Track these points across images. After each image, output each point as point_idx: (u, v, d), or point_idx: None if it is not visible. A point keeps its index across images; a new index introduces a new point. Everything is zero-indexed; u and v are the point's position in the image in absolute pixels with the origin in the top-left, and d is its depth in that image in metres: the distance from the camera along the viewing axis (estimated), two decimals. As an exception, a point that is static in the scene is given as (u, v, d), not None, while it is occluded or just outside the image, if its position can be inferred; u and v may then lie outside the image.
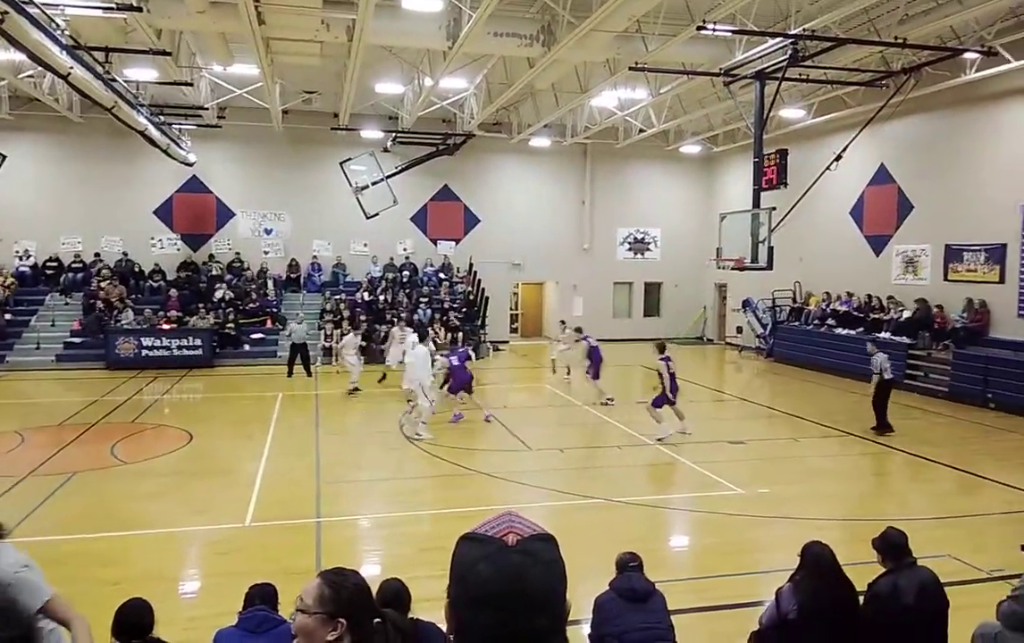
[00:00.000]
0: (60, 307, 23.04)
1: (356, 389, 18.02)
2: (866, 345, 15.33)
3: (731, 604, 7.09)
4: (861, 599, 4.72)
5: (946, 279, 19.48)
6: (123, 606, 4.22)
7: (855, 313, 21.66)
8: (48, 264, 24.17)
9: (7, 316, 21.94)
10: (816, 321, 22.99)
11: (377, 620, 2.31)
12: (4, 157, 21.88)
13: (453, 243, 27.73)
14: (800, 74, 16.92)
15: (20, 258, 24.12)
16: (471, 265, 27.40)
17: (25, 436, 13.52)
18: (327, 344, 22.49)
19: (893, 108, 16.87)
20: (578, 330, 18.45)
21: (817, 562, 4.69)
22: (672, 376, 13.33)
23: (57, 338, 21.99)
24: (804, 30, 13.96)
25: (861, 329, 20.95)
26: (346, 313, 23.01)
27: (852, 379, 19.50)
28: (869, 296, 21.55)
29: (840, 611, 4.56)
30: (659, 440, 13.14)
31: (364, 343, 20.60)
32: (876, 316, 20.84)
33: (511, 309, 29.58)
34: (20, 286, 23.36)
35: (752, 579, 7.71)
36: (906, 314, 19.90)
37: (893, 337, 19.38)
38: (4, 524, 3.98)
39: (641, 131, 24.74)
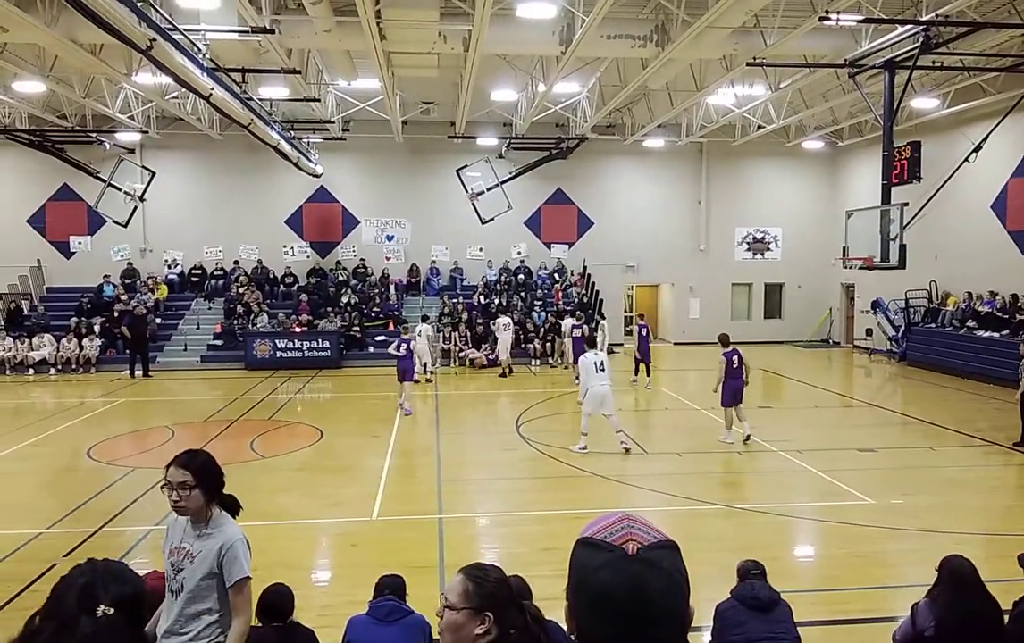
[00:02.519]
0: (204, 312, 24.87)
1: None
2: (1019, 346, 13.91)
3: (862, 619, 6.82)
4: (1006, 619, 4.46)
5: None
6: (266, 590, 4.57)
7: (999, 314, 20.12)
8: (193, 272, 26.16)
9: (158, 320, 23.88)
10: (955, 323, 21.52)
11: (518, 611, 2.37)
12: (153, 174, 23.82)
13: (567, 246, 27.84)
14: (933, 62, 15.92)
15: (169, 267, 26.22)
16: (584, 268, 27.42)
17: (175, 431, 14.69)
18: (446, 346, 23.15)
19: (1039, 94, 15.61)
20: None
21: (957, 577, 4.46)
22: (733, 372, 12.91)
23: (201, 340, 23.75)
24: (937, 15, 13.14)
25: (1006, 331, 19.45)
26: (464, 316, 23.65)
27: (995, 385, 18.16)
28: (1015, 296, 19.97)
29: (981, 630, 4.32)
30: (728, 442, 12.96)
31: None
32: (1023, 317, 19.28)
33: (625, 312, 29.34)
34: (169, 292, 25.40)
35: (884, 593, 7.37)
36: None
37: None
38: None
39: (760, 128, 23.98)
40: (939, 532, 8.81)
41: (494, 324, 22.45)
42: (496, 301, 25.32)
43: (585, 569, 1.33)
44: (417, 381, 17.97)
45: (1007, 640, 4.36)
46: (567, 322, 21.62)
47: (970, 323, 20.90)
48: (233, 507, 3.76)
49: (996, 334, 19.70)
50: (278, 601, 4.54)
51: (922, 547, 8.13)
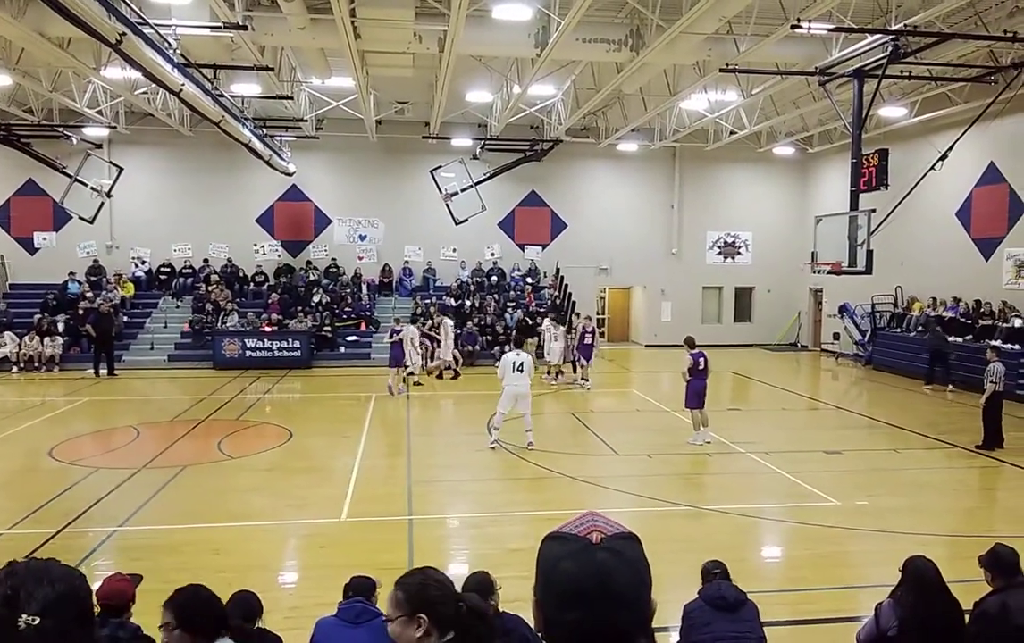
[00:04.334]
0: (172, 310, 24.51)
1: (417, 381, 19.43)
2: (985, 352, 14.11)
3: (827, 619, 6.91)
4: (967, 618, 4.54)
5: (1065, 284, 18.27)
6: (234, 596, 4.51)
7: (962, 319, 20.55)
8: (161, 269, 25.76)
9: (125, 318, 23.47)
10: (920, 328, 21.93)
11: (460, 603, 2.43)
12: (121, 170, 23.44)
13: (540, 248, 27.90)
14: (901, 71, 16.23)
15: (136, 264, 25.79)
16: (558, 270, 27.50)
17: (140, 431, 14.45)
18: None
19: (1002, 104, 15.94)
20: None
21: (920, 577, 4.54)
22: (699, 374, 13.13)
23: (169, 339, 23.40)
24: (905, 25, 13.39)
25: (969, 336, 19.87)
26: (437, 319, 23.50)
27: (959, 389, 18.54)
28: (978, 302, 20.41)
29: (943, 629, 4.41)
30: (697, 445, 13.12)
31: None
32: (986, 323, 19.70)
33: (598, 313, 29.49)
34: (136, 290, 24.98)
35: (849, 593, 7.47)
36: (1018, 322, 18.74)
37: (1003, 345, 18.27)
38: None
39: (732, 133, 24.26)
40: (903, 533, 8.96)
41: (438, 327, 21.84)
42: (469, 303, 25.29)
43: (550, 560, 1.36)
44: (412, 373, 19.30)
45: (967, 639, 4.45)
46: (546, 323, 21.67)
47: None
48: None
49: (960, 339, 20.10)
50: (246, 610, 4.47)
51: (886, 548, 8.26)
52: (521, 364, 12.76)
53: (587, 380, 19.38)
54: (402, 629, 2.31)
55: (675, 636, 4.75)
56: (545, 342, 21.03)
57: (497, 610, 4.30)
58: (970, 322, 20.26)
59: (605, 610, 1.30)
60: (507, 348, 16.56)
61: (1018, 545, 4.71)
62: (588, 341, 19.49)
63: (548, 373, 20.18)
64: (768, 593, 6.83)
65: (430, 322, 22.80)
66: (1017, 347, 18.13)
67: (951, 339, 20.01)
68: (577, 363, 19.70)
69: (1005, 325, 19.00)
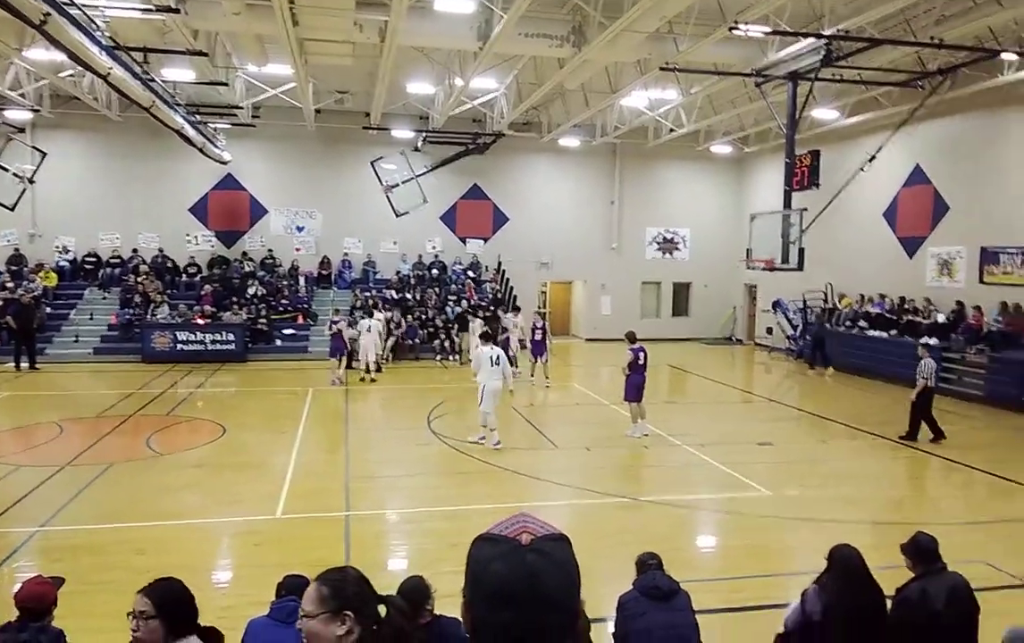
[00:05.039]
0: (98, 302, 23.58)
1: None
2: (917, 349, 14.41)
3: (757, 606, 7.09)
4: (890, 604, 4.70)
5: (981, 281, 19.14)
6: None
7: (888, 315, 21.37)
8: (87, 259, 24.74)
9: (47, 310, 22.48)
10: (847, 323, 22.72)
11: (380, 604, 2.38)
12: (44, 154, 22.44)
13: (482, 241, 27.85)
14: (833, 74, 16.74)
15: (60, 253, 24.72)
16: (499, 264, 27.50)
17: (64, 427, 13.88)
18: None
19: (929, 109, 16.66)
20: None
21: (845, 565, 4.68)
22: (638, 368, 13.31)
23: (95, 332, 22.51)
24: (838, 30, 13.81)
25: (894, 331, 20.67)
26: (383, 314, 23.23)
27: (883, 382, 19.28)
28: (903, 298, 21.25)
29: (866, 615, 4.55)
30: (635, 437, 13.31)
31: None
32: (909, 318, 20.54)
33: (539, 308, 29.61)
34: (60, 281, 23.94)
35: (778, 581, 7.69)
36: (940, 317, 19.59)
37: (927, 340, 19.07)
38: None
39: (671, 131, 24.63)
40: (831, 521, 9.27)
41: (356, 325, 20.58)
42: (409, 296, 25.08)
43: (480, 562, 1.35)
44: (371, 372, 19.37)
45: (890, 624, 4.61)
46: (476, 322, 21.28)
47: (861, 323, 22.10)
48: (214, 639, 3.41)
49: (885, 334, 20.90)
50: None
51: (814, 537, 8.52)
52: (498, 357, 12.61)
53: (547, 378, 19.02)
54: (323, 626, 2.24)
55: (611, 627, 4.79)
56: (510, 337, 20.16)
57: (433, 614, 4.26)
58: (895, 318, 21.06)
59: (534, 612, 1.29)
60: (479, 343, 15.38)
61: (938, 533, 4.91)
62: (539, 338, 19.19)
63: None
64: (702, 582, 6.95)
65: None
66: (937, 341, 18.92)
67: (875, 334, 20.87)
68: (530, 360, 19.32)
69: (927, 321, 19.81)
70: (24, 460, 11.67)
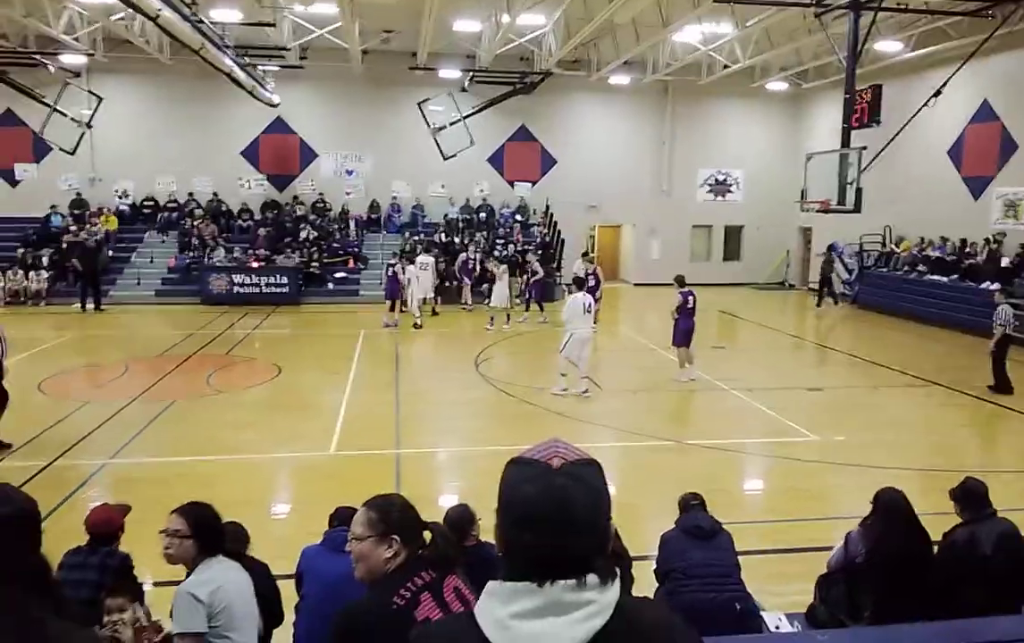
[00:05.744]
0: (157, 245, 24.28)
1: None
2: (993, 295, 13.69)
3: (800, 548, 7.10)
4: (936, 549, 4.68)
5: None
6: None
7: (948, 259, 20.65)
8: (145, 203, 25.42)
9: (110, 253, 23.25)
10: (906, 267, 22.03)
11: (427, 531, 2.48)
12: (101, 99, 22.91)
13: (530, 185, 27.64)
14: (898, 3, 15.95)
15: (120, 197, 25.42)
16: (547, 207, 27.31)
17: (129, 366, 14.46)
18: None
19: (999, 40, 15.77)
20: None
21: (889, 508, 4.67)
22: (687, 313, 13.11)
23: (155, 274, 23.23)
24: (904, -44, 13.12)
25: (955, 276, 19.99)
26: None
27: (941, 328, 18.74)
28: (964, 241, 20.48)
29: (909, 558, 4.55)
30: (682, 381, 13.16)
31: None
32: (971, 262, 19.80)
33: (586, 251, 29.38)
34: (120, 224, 24.68)
35: (823, 525, 7.67)
36: (1005, 260, 18.83)
37: (992, 286, 18.40)
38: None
39: (725, 67, 23.85)
40: (878, 467, 9.15)
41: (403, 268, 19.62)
42: (458, 240, 25.13)
43: (511, 484, 1.38)
44: (421, 315, 19.27)
45: (936, 568, 4.60)
46: (502, 267, 20.01)
47: (920, 267, 21.42)
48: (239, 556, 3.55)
49: (945, 278, 20.22)
50: (233, 539, 4.55)
51: (861, 482, 8.42)
52: (589, 305, 12.26)
53: (595, 323, 18.34)
54: (371, 548, 2.35)
55: (654, 565, 4.88)
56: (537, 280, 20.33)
57: (478, 540, 4.42)
58: (956, 261, 20.35)
59: (562, 534, 1.32)
60: (570, 290, 15.11)
61: (990, 481, 4.83)
62: (592, 283, 17.44)
63: (491, 321, 18.81)
64: (745, 524, 7.00)
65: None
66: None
67: (935, 278, 20.22)
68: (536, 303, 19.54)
69: (991, 264, 19.05)
70: (93, 396, 12.23)
